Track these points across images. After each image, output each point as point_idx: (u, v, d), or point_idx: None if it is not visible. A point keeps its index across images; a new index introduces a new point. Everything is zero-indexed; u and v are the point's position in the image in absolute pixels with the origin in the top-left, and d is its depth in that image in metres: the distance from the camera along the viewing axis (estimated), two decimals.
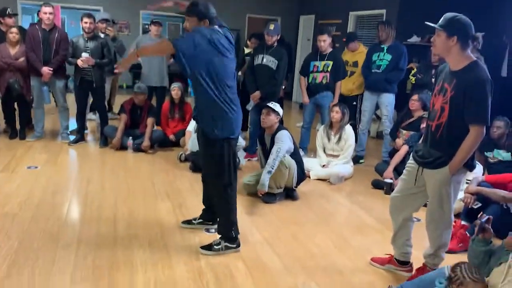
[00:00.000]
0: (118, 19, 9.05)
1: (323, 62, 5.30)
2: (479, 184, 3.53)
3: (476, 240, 2.25)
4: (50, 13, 5.27)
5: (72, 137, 5.64)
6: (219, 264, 2.88)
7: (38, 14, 5.40)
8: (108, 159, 5.09)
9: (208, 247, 3.02)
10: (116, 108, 6.66)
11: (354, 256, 3.15)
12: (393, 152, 4.95)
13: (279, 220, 3.71)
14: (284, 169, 3.99)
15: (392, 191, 2.94)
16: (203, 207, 3.42)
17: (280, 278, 2.78)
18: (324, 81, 5.32)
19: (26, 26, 6.15)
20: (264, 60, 5.05)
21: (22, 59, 5.34)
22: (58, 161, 4.90)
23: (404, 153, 4.53)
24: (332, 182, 4.70)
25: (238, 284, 2.66)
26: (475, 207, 3.43)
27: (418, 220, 3.05)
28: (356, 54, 5.79)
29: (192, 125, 5.26)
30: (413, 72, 5.69)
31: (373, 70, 5.32)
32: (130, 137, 5.44)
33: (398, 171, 4.48)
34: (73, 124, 5.87)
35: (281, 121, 4.25)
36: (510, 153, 4.26)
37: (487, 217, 2.26)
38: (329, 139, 5.00)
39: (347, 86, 5.69)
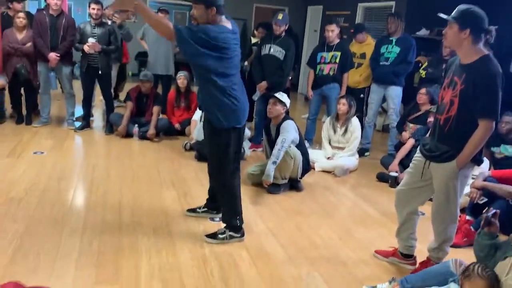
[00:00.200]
0: None
1: (330, 53, 5.27)
2: (485, 179, 3.51)
3: (482, 233, 2.24)
4: None
5: (78, 124, 5.65)
6: (223, 253, 2.90)
7: (45, 0, 5.38)
8: (114, 146, 5.10)
9: (213, 236, 3.03)
10: (122, 96, 6.67)
11: (358, 248, 3.15)
12: (399, 145, 4.94)
13: (283, 210, 3.72)
14: (289, 160, 3.98)
15: (397, 184, 2.93)
16: (208, 196, 3.43)
17: (283, 268, 2.79)
18: (331, 73, 5.29)
19: (33, 11, 6.13)
20: (272, 50, 5.02)
21: (29, 44, 5.33)
22: (64, 147, 4.92)
23: (410, 146, 4.52)
24: (337, 174, 4.70)
25: (242, 273, 2.68)
26: (481, 202, 3.42)
27: (423, 214, 3.04)
28: (364, 45, 5.74)
29: (197, 114, 5.26)
30: (423, 66, 5.64)
31: (381, 63, 5.28)
32: (136, 125, 5.44)
33: (403, 164, 4.47)
34: (79, 111, 5.87)
35: (287, 112, 4.24)
36: None
37: (494, 211, 2.25)
38: (335, 131, 4.98)
39: (354, 78, 5.65)
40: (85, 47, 5.19)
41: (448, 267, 2.23)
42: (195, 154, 4.90)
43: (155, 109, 5.48)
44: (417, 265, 2.85)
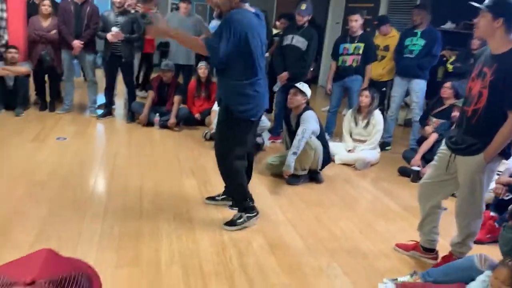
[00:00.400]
0: None
1: (353, 45, 5.20)
2: (511, 175, 3.43)
3: (507, 227, 2.20)
4: None
5: (100, 111, 5.72)
6: (242, 240, 2.90)
7: None
8: (135, 134, 5.14)
9: (231, 223, 3.04)
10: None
11: (379, 241, 3.12)
12: (421, 140, 4.85)
13: (302, 201, 3.70)
14: (310, 151, 3.95)
15: (419, 179, 2.88)
16: (225, 184, 3.44)
17: (302, 258, 2.77)
18: (354, 64, 5.21)
19: None
20: (294, 40, 4.98)
21: (54, 31, 5.40)
22: (86, 134, 4.98)
23: (433, 141, 4.44)
24: (358, 167, 4.65)
25: (261, 261, 2.67)
26: (506, 198, 3.34)
27: (445, 209, 2.99)
28: (388, 38, 5.63)
29: (217, 104, 5.25)
30: (450, 60, 5.52)
31: (405, 55, 5.18)
32: (157, 114, 5.47)
33: (426, 159, 4.39)
34: (101, 99, 5.94)
35: (307, 103, 4.20)
36: None
37: None
38: (356, 123, 4.92)
39: (376, 70, 5.56)
40: (109, 36, 5.23)
41: (472, 262, 2.19)
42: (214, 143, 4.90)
43: (176, 98, 5.51)
44: (439, 259, 2.80)
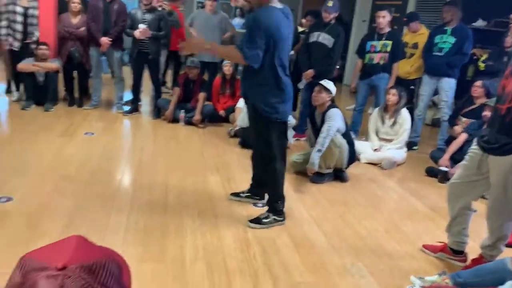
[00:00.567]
0: None
1: (381, 42, 5.11)
2: None
3: None
4: None
5: (126, 108, 5.80)
6: (266, 238, 2.89)
7: None
8: (160, 131, 5.19)
9: (257, 221, 3.03)
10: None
11: (404, 241, 3.06)
12: (449, 140, 4.74)
13: (326, 200, 3.66)
14: (335, 148, 3.91)
15: (447, 180, 2.81)
16: (251, 182, 3.43)
17: (327, 257, 2.74)
18: (381, 62, 5.13)
19: None
20: (320, 37, 4.93)
21: (83, 28, 5.51)
22: (113, 130, 5.06)
23: (462, 141, 4.32)
24: (384, 166, 4.57)
25: (285, 259, 2.65)
26: None
27: (475, 211, 2.90)
28: (417, 35, 5.51)
29: (242, 102, 5.25)
30: (482, 58, 5.37)
31: (434, 53, 5.06)
32: (182, 110, 5.52)
33: (454, 159, 4.29)
34: (128, 95, 6.02)
35: (332, 100, 4.15)
36: None
37: None
38: (383, 122, 4.84)
39: (405, 68, 5.46)
40: (136, 33, 5.29)
41: (505, 265, 2.12)
42: (239, 140, 4.92)
43: (201, 95, 5.53)
44: (468, 262, 2.73)
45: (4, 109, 5.56)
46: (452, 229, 2.77)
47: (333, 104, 4.06)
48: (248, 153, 3.41)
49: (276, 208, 3.07)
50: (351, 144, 4.09)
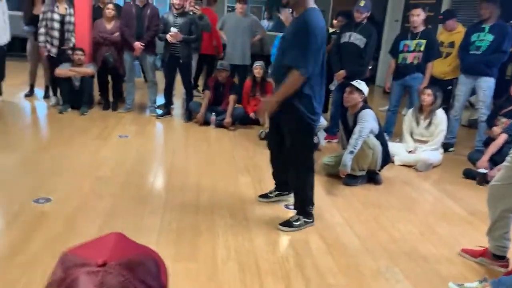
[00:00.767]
0: None
1: (414, 41, 5.00)
2: None
3: None
4: None
5: (159, 111, 5.89)
6: (298, 240, 2.86)
7: None
8: (192, 133, 5.25)
9: (288, 224, 3.01)
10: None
11: (441, 244, 2.97)
12: (488, 141, 4.58)
13: (359, 202, 3.60)
14: (368, 150, 3.84)
15: (486, 182, 2.71)
16: (275, 181, 3.45)
17: (361, 260, 2.69)
18: (415, 62, 5.01)
19: (120, 3, 6.46)
20: (352, 38, 4.87)
21: (116, 34, 5.63)
22: (146, 132, 5.15)
23: (502, 142, 4.17)
24: (419, 168, 4.46)
25: (318, 262, 2.62)
26: None
27: None
28: (453, 34, 5.34)
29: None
30: None
31: (471, 52, 4.90)
32: (213, 113, 5.56)
33: (493, 161, 4.14)
34: (160, 99, 6.12)
35: (365, 101, 4.09)
36: None
37: None
38: (418, 123, 4.72)
39: (441, 68, 5.30)
40: (168, 36, 5.37)
41: None
42: None
43: (231, 98, 5.56)
44: (511, 267, 2.62)
45: (43, 113, 5.74)
46: (493, 233, 2.66)
47: (365, 105, 3.99)
48: None
49: (307, 211, 3.05)
50: (384, 146, 4.01)
